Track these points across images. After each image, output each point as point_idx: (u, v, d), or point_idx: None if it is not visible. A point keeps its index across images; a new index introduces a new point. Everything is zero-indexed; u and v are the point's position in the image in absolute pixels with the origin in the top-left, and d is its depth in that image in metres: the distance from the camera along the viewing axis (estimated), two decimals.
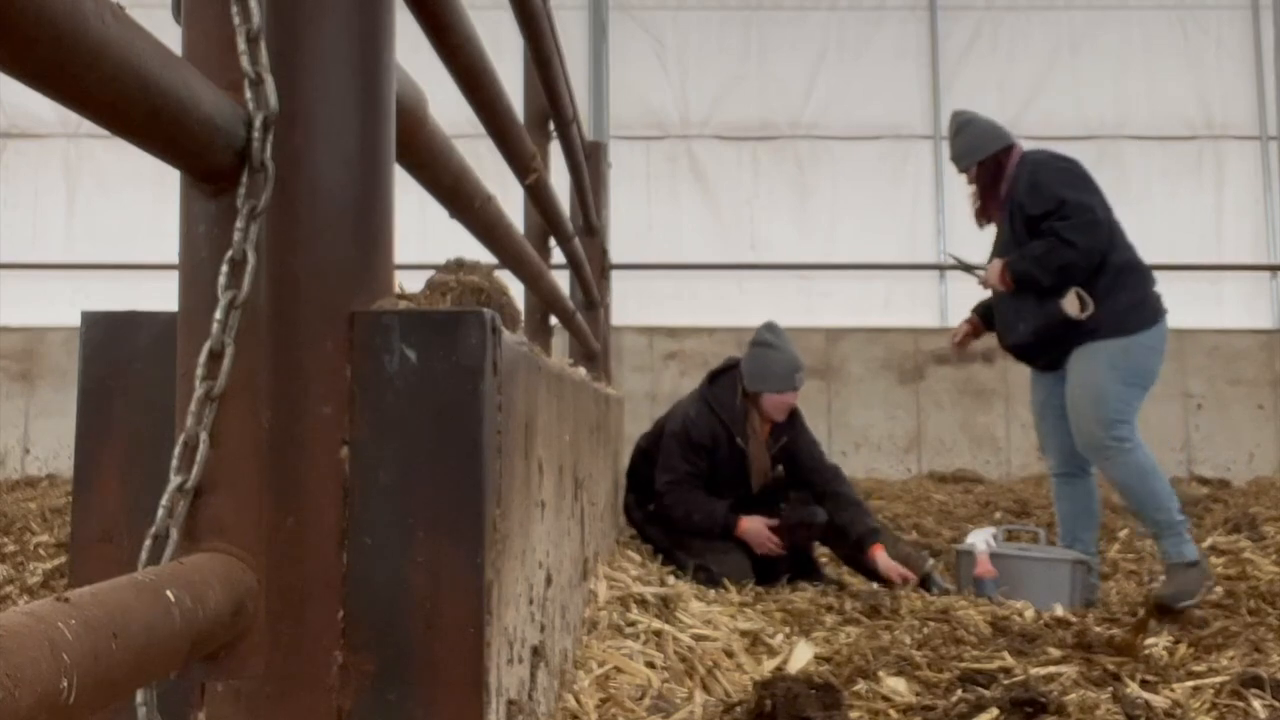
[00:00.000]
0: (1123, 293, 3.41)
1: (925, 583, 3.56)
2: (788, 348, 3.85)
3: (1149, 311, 3.44)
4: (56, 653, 0.56)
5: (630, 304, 7.26)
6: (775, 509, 3.81)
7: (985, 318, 3.82)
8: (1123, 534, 4.69)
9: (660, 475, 3.81)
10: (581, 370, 2.77)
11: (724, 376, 3.94)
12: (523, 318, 2.47)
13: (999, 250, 3.61)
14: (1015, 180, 3.53)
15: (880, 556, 3.64)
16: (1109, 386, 3.35)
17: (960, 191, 8.40)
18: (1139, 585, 3.67)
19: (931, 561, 3.74)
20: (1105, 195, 3.53)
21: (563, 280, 3.79)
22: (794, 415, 3.93)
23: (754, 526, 3.71)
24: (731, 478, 3.84)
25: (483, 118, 1.94)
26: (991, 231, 3.75)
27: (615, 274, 6.01)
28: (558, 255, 3.69)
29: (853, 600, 3.14)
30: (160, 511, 0.81)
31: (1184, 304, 8.15)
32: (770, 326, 3.93)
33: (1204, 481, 7.25)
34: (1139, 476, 3.34)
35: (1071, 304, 3.35)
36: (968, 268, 3.83)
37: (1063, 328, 3.41)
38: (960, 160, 3.65)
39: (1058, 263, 3.36)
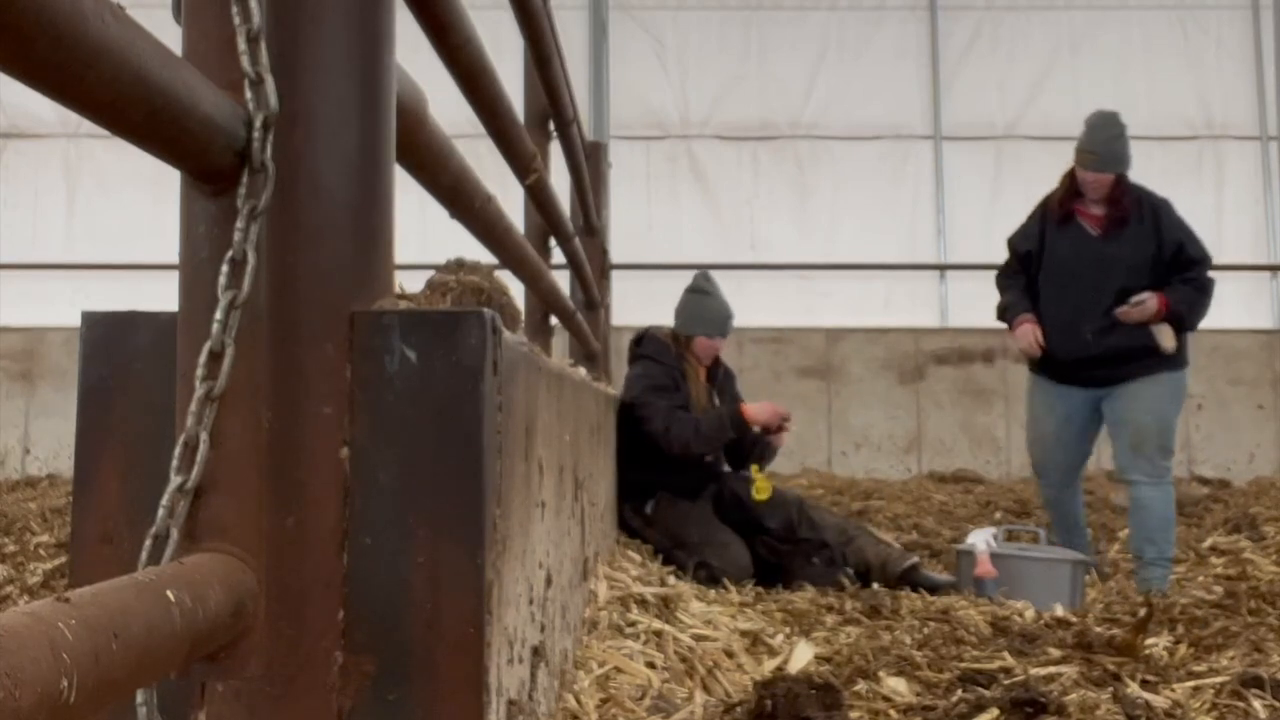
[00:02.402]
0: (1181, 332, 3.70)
1: (911, 580, 3.55)
2: (721, 297, 4.14)
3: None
4: (56, 653, 0.56)
5: (630, 304, 7.24)
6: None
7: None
8: (1123, 534, 4.68)
9: (651, 429, 3.82)
10: (581, 370, 2.78)
11: (645, 336, 4.17)
12: (523, 318, 2.47)
13: (1103, 263, 3.63)
14: (1155, 210, 3.66)
15: (748, 408, 3.88)
16: (1172, 418, 3.65)
17: (959, 192, 8.47)
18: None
19: (914, 559, 3.73)
20: None
21: (563, 280, 3.79)
22: (723, 365, 4.22)
23: (757, 405, 3.91)
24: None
25: (483, 118, 1.94)
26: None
27: (615, 274, 6.01)
28: (558, 255, 3.69)
29: (853, 600, 3.14)
30: (160, 511, 0.81)
31: None
32: (706, 275, 4.22)
33: (1204, 481, 7.23)
34: (1168, 506, 3.63)
35: (1168, 338, 3.59)
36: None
37: (1141, 352, 3.60)
38: (1114, 163, 3.65)
39: (1204, 313, 3.67)
